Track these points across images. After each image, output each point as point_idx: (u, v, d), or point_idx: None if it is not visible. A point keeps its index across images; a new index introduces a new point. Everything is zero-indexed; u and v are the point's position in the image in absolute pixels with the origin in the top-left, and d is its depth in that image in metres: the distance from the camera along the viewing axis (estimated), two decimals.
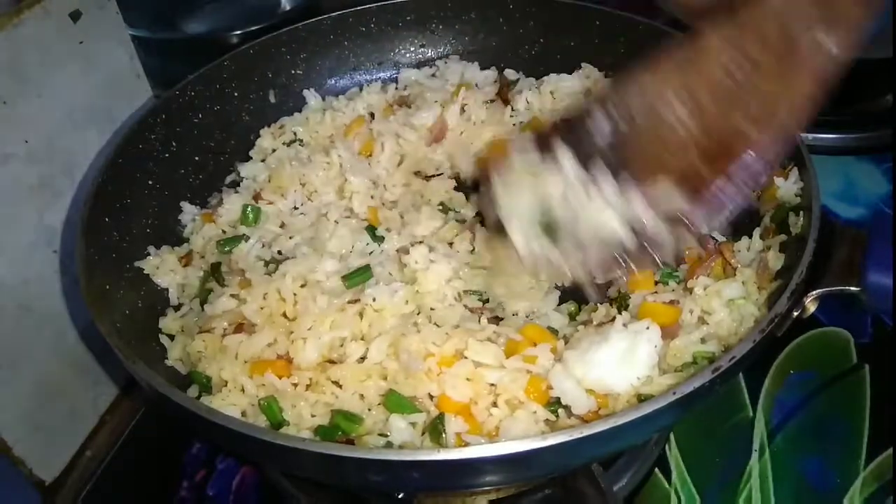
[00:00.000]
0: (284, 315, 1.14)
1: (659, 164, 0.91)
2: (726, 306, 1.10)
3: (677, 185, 0.90)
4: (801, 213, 1.12)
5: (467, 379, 1.01)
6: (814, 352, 1.38)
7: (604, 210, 0.93)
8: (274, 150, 1.50)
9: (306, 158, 1.43)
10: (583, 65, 1.55)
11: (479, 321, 1.14)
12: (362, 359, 1.07)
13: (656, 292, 1.15)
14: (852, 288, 1.01)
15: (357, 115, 1.53)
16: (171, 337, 1.18)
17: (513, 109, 1.50)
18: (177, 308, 1.23)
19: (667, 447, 1.27)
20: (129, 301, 1.18)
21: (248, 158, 1.49)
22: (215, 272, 1.25)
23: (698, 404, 0.94)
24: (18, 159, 1.18)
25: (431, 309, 1.15)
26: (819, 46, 0.82)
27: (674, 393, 0.86)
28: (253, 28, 1.85)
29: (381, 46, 1.65)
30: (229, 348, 1.09)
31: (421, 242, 1.23)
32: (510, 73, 1.60)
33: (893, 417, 1.26)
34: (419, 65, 1.66)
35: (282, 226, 1.35)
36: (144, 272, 1.24)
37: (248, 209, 1.33)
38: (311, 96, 1.58)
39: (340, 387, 1.05)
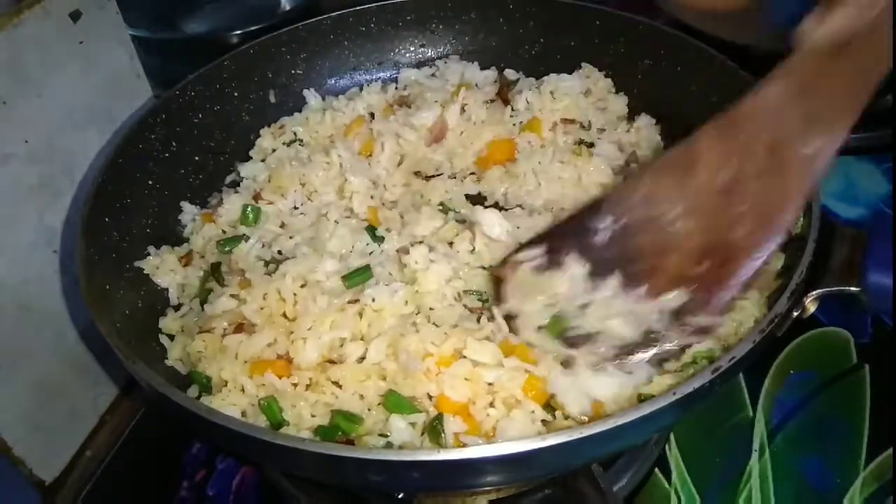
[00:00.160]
0: (284, 315, 1.14)
1: (664, 268, 0.94)
2: None
3: (682, 288, 0.93)
4: (801, 212, 1.12)
5: (466, 379, 1.01)
6: (814, 352, 1.38)
7: (611, 313, 0.97)
8: (274, 150, 1.50)
9: (306, 158, 1.43)
10: (583, 65, 1.55)
11: (479, 321, 1.14)
12: (362, 359, 1.07)
13: None
14: (852, 288, 1.01)
15: (357, 115, 1.53)
16: (171, 337, 1.18)
17: (513, 109, 1.50)
18: (177, 308, 1.23)
19: (667, 447, 1.27)
20: (129, 301, 1.18)
21: (248, 158, 1.49)
22: (215, 272, 1.25)
23: (698, 404, 0.94)
24: (18, 159, 1.18)
25: (431, 309, 1.15)
26: (806, 155, 0.85)
27: (674, 393, 0.85)
28: (253, 28, 1.85)
29: (381, 46, 1.65)
30: (229, 348, 1.09)
31: (421, 242, 1.23)
32: (510, 73, 1.60)
33: (893, 417, 1.26)
34: (419, 65, 1.66)
35: (282, 226, 1.35)
36: (144, 272, 1.24)
37: (248, 209, 1.33)
38: (311, 96, 1.58)
39: (340, 387, 1.05)
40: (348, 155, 1.41)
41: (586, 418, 1.00)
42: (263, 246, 1.29)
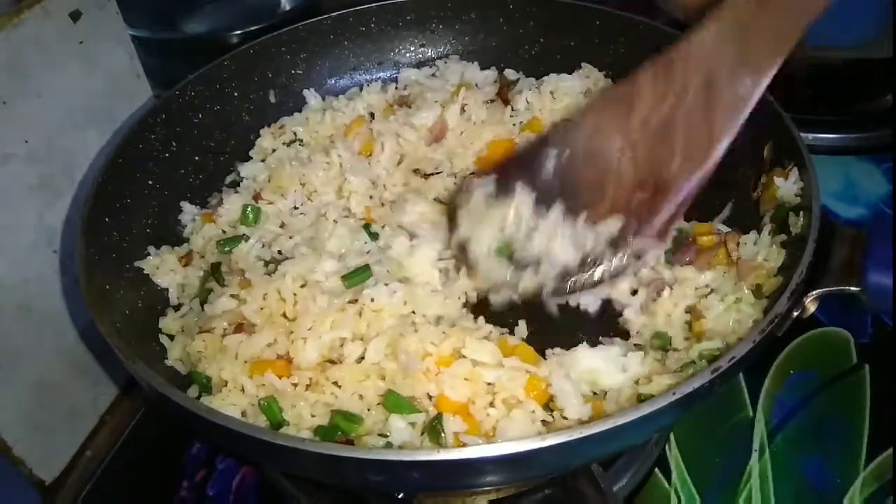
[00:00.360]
0: (284, 315, 1.14)
1: (603, 197, 1.02)
2: (722, 301, 1.11)
3: (619, 216, 1.00)
4: (801, 213, 1.12)
5: (465, 379, 1.02)
6: (814, 352, 1.38)
7: (555, 238, 1.05)
8: (274, 150, 1.50)
9: (306, 158, 1.43)
10: (583, 65, 1.55)
11: (476, 321, 1.14)
12: (361, 359, 1.07)
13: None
14: (852, 288, 1.01)
15: (357, 115, 1.53)
16: (171, 337, 1.18)
17: (513, 109, 1.50)
18: (177, 308, 1.23)
19: (667, 447, 1.27)
20: (129, 301, 1.18)
21: (248, 158, 1.49)
22: (215, 272, 1.25)
23: (698, 404, 0.94)
24: (18, 159, 1.18)
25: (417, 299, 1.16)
26: (735, 94, 0.92)
27: (674, 393, 0.85)
28: (253, 28, 1.85)
29: (381, 46, 1.65)
30: (229, 348, 1.09)
31: (403, 233, 1.24)
32: (510, 73, 1.60)
33: (893, 417, 1.26)
34: (419, 65, 1.66)
35: (282, 226, 1.35)
36: (144, 272, 1.24)
37: (248, 209, 1.33)
38: (311, 96, 1.58)
39: (340, 387, 1.05)
40: (348, 155, 1.41)
41: (586, 419, 1.00)
42: (263, 246, 1.29)
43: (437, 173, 1.42)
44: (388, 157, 1.43)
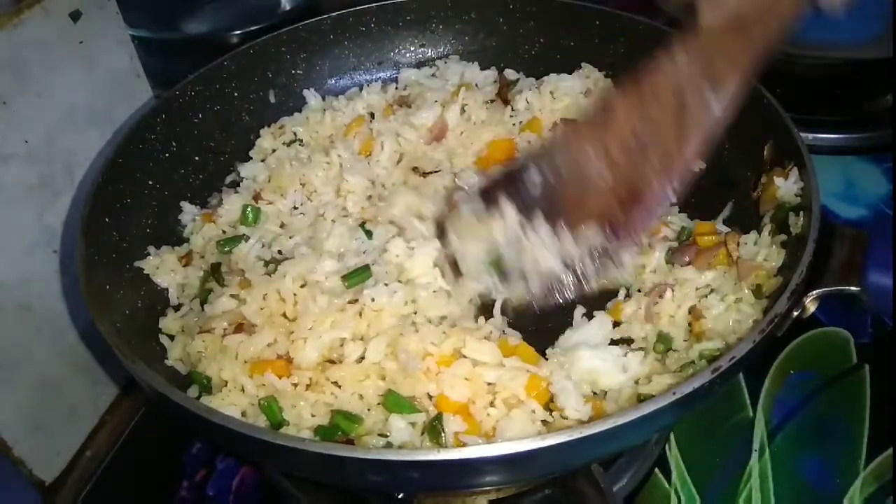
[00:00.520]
0: (284, 315, 1.14)
1: (583, 209, 1.10)
2: (722, 301, 1.11)
3: (599, 225, 1.08)
4: (801, 213, 1.13)
5: (465, 378, 1.02)
6: (814, 352, 1.38)
7: (540, 249, 1.11)
8: (274, 150, 1.50)
9: (306, 158, 1.43)
10: (583, 65, 1.55)
11: (476, 320, 1.14)
12: (361, 358, 1.07)
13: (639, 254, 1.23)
14: (852, 288, 1.01)
15: (357, 115, 1.53)
16: (171, 337, 1.18)
17: (513, 109, 1.50)
18: (177, 308, 1.23)
19: (667, 447, 1.27)
20: (129, 301, 1.18)
21: (248, 158, 1.49)
22: (215, 272, 1.25)
23: (698, 404, 0.94)
24: (18, 159, 1.18)
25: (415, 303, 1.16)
26: (705, 107, 1.01)
27: (674, 393, 0.86)
28: (253, 28, 1.85)
29: (381, 46, 1.65)
30: (229, 348, 1.09)
31: (398, 236, 1.24)
32: (510, 73, 1.60)
33: (893, 417, 1.26)
34: (419, 65, 1.66)
35: (282, 226, 1.35)
36: (144, 272, 1.24)
37: (248, 209, 1.33)
38: (311, 96, 1.58)
39: (340, 387, 1.05)
40: (348, 155, 1.41)
41: (586, 419, 1.00)
42: (263, 246, 1.29)
43: (436, 171, 1.42)
44: (387, 156, 1.43)
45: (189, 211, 1.37)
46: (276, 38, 1.54)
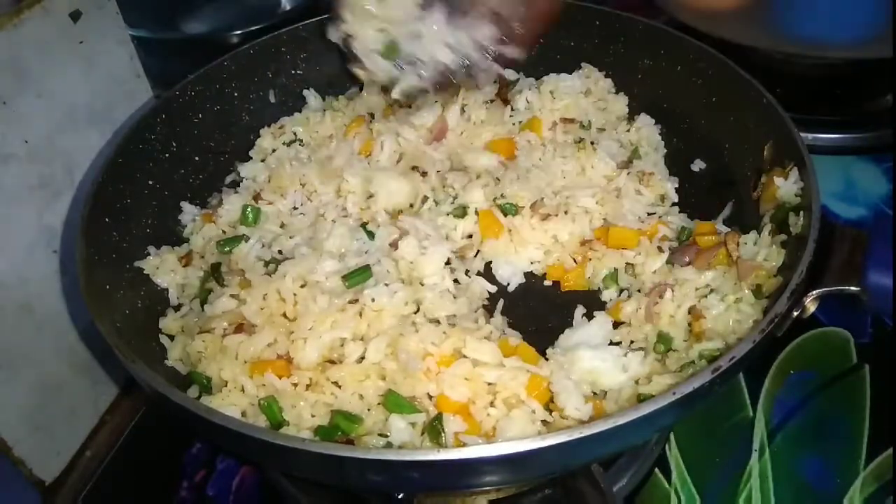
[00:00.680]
0: (284, 315, 1.14)
1: (481, 4, 1.12)
2: (722, 301, 1.12)
3: (495, 24, 1.12)
4: (801, 213, 1.13)
5: (465, 378, 1.02)
6: (814, 352, 1.38)
7: (434, 38, 1.14)
8: (274, 150, 1.50)
9: (306, 158, 1.43)
10: (583, 65, 1.55)
11: (477, 321, 1.14)
12: (361, 359, 1.07)
13: (639, 254, 1.23)
14: (852, 288, 1.01)
15: (357, 115, 1.53)
16: (171, 337, 1.18)
17: (512, 109, 1.50)
18: (177, 308, 1.23)
19: (667, 447, 1.27)
20: (129, 301, 1.18)
21: (248, 158, 1.49)
22: (215, 272, 1.25)
23: (698, 404, 0.94)
24: (18, 159, 1.18)
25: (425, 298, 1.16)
26: None
27: (674, 393, 0.86)
28: (253, 28, 1.85)
29: None
30: (229, 348, 1.09)
31: (406, 236, 1.24)
32: (510, 73, 1.59)
33: (893, 417, 1.26)
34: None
35: (282, 226, 1.35)
36: (144, 272, 1.24)
37: (248, 209, 1.33)
38: (311, 96, 1.58)
39: (340, 387, 1.05)
40: (348, 155, 1.41)
41: (587, 418, 1.00)
42: (263, 246, 1.29)
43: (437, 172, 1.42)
44: (387, 156, 1.43)
45: (189, 211, 1.37)
46: (276, 38, 1.54)
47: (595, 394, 1.07)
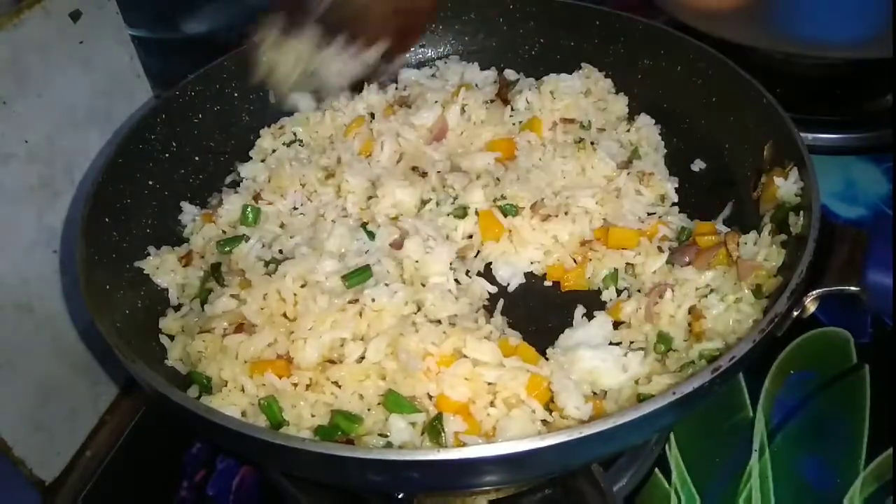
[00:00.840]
0: (284, 315, 1.14)
1: (369, 26, 1.29)
2: (722, 300, 1.11)
3: (382, 38, 1.30)
4: (801, 212, 1.13)
5: (466, 378, 1.02)
6: (814, 352, 1.38)
7: (330, 62, 1.31)
8: (274, 151, 1.49)
9: (306, 159, 1.43)
10: (583, 65, 1.55)
11: (477, 321, 1.14)
12: (361, 359, 1.07)
13: (639, 254, 1.23)
14: (852, 288, 1.01)
15: (357, 115, 1.53)
16: (171, 337, 1.18)
17: (512, 109, 1.50)
18: (177, 308, 1.23)
19: (667, 447, 1.27)
20: (129, 301, 1.18)
21: (249, 158, 1.49)
22: (215, 272, 1.25)
23: (698, 404, 0.94)
24: (18, 159, 1.18)
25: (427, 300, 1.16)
26: None
27: (674, 393, 0.86)
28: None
29: None
30: (229, 348, 1.09)
31: (408, 236, 1.24)
32: (510, 74, 1.60)
33: (893, 417, 1.26)
34: (419, 65, 1.66)
35: (282, 226, 1.35)
36: (144, 272, 1.24)
37: (248, 209, 1.33)
38: (304, 99, 1.56)
39: (340, 387, 1.05)
40: (348, 155, 1.41)
41: (587, 418, 1.00)
42: (263, 246, 1.29)
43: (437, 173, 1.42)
44: (387, 156, 1.43)
45: (189, 211, 1.37)
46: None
47: (595, 394, 1.07)
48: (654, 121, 1.48)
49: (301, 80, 1.35)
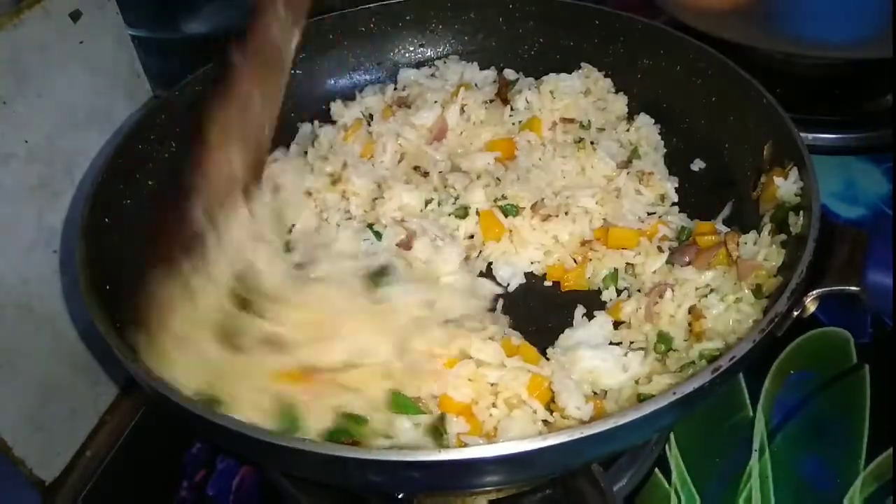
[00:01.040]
0: (305, 320, 1.13)
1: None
2: (722, 300, 1.11)
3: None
4: (801, 212, 1.13)
5: (469, 379, 1.01)
6: (814, 352, 1.38)
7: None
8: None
9: (308, 170, 1.42)
10: (582, 65, 1.55)
11: (482, 321, 1.14)
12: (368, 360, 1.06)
13: (639, 253, 1.23)
14: (852, 288, 1.01)
15: (355, 119, 1.52)
16: None
17: (512, 109, 1.50)
18: None
19: (667, 447, 1.27)
20: (129, 301, 1.17)
21: None
22: (245, 307, 1.22)
23: (698, 404, 0.94)
24: (18, 159, 1.18)
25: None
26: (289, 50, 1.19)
27: (674, 393, 0.85)
28: None
29: (380, 46, 1.65)
30: (254, 364, 1.06)
31: (414, 234, 1.24)
32: (509, 73, 1.60)
33: (893, 417, 1.26)
34: (418, 65, 1.66)
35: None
36: (145, 272, 1.24)
37: None
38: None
39: (347, 388, 1.04)
40: (351, 158, 1.40)
41: (587, 418, 1.00)
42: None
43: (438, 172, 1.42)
44: (389, 157, 1.43)
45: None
46: None
47: (595, 393, 1.07)
48: (653, 120, 1.48)
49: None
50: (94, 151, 1.33)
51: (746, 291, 1.11)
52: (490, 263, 1.30)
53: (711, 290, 1.15)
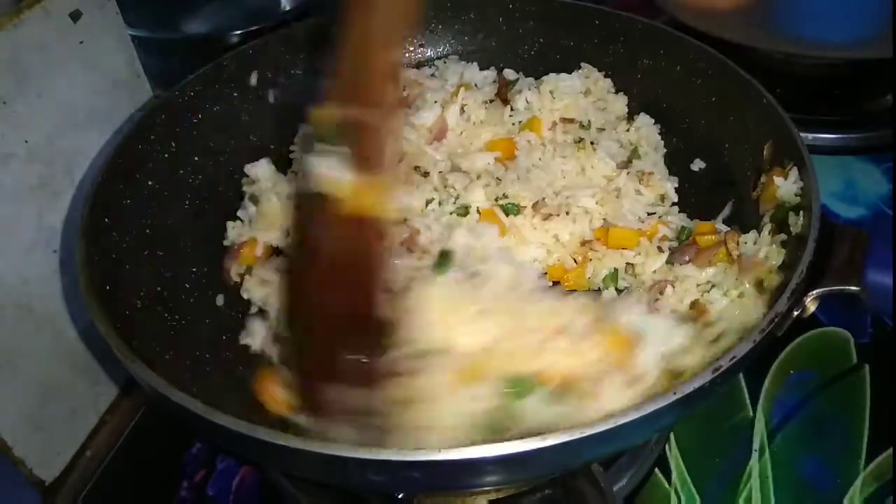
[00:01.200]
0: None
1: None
2: (725, 295, 1.12)
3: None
4: (801, 212, 1.12)
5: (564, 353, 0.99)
6: (814, 352, 1.38)
7: None
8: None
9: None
10: (582, 65, 1.55)
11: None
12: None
13: (639, 253, 1.23)
14: (852, 288, 1.01)
15: None
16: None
17: (512, 109, 1.50)
18: None
19: (667, 447, 1.27)
20: (129, 301, 1.17)
21: (248, 160, 1.48)
22: None
23: (698, 404, 0.94)
24: (18, 159, 1.18)
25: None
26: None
27: (674, 393, 0.86)
28: (253, 28, 1.85)
29: None
30: None
31: (418, 232, 1.24)
32: (509, 73, 1.60)
33: (893, 417, 1.26)
34: (418, 65, 1.66)
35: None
36: (146, 273, 1.24)
37: None
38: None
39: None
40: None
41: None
42: None
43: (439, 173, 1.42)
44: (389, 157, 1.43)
45: None
46: (275, 38, 1.54)
47: None
48: (653, 120, 1.48)
49: None
50: (94, 151, 1.33)
51: (748, 286, 1.11)
52: None
53: (713, 286, 1.15)
